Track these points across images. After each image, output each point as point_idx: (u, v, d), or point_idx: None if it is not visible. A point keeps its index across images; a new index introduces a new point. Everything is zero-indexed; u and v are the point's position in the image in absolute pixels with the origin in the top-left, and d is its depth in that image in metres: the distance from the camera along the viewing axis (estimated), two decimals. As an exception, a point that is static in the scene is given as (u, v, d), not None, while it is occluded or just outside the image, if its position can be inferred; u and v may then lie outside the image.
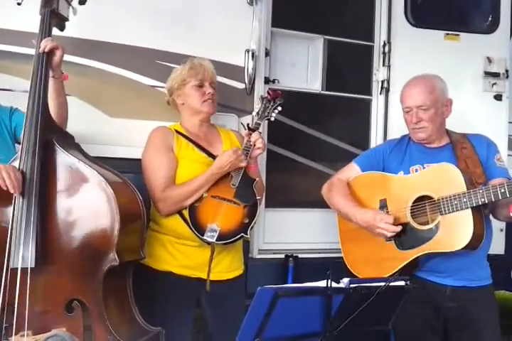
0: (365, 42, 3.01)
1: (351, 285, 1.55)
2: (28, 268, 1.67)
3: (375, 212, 2.13)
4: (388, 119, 2.99)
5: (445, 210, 2.01)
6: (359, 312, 1.56)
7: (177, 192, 2.05)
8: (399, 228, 2.06)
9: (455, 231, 2.00)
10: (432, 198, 2.06)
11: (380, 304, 1.58)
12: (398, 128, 2.68)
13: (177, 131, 2.18)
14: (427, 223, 2.06)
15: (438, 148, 2.21)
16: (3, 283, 1.66)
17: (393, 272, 2.02)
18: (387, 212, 2.14)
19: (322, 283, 1.52)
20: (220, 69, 2.30)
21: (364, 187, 2.24)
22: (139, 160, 2.15)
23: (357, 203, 2.20)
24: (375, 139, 3.00)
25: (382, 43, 3.00)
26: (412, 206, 2.09)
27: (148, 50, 2.42)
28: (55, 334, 1.25)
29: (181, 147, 2.14)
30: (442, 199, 2.02)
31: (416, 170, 2.17)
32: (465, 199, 1.96)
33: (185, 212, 2.06)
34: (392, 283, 1.60)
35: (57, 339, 1.23)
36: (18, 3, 2.02)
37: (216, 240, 2.01)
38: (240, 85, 2.59)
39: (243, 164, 2.07)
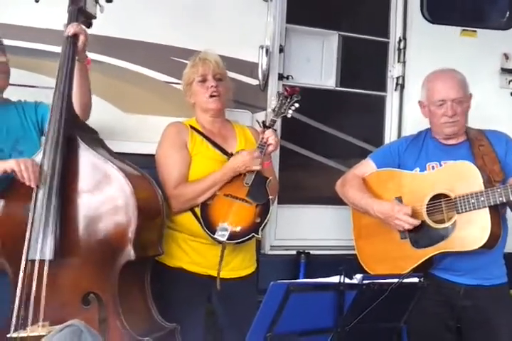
0: (381, 39, 2.98)
1: (364, 281, 1.54)
2: (45, 260, 1.70)
3: (393, 203, 2.11)
4: (403, 116, 2.97)
5: (462, 209, 1.99)
6: (372, 308, 1.55)
7: (189, 190, 2.05)
8: (418, 221, 2.04)
9: (472, 230, 1.98)
10: (448, 196, 2.04)
11: (393, 301, 1.58)
12: (413, 125, 2.67)
13: (192, 127, 2.18)
14: (443, 221, 2.05)
15: (455, 145, 2.18)
16: (21, 275, 1.69)
17: (408, 270, 2.01)
18: None
19: (335, 279, 1.52)
20: (234, 65, 2.30)
21: (379, 183, 2.22)
22: (154, 155, 2.16)
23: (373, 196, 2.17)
24: (390, 136, 2.97)
25: (397, 39, 2.97)
26: (427, 204, 2.07)
27: (162, 47, 2.43)
28: (71, 323, 1.27)
29: (195, 143, 2.14)
30: (459, 197, 2.00)
31: (433, 167, 2.15)
32: (482, 198, 1.94)
33: (197, 210, 2.06)
34: (405, 280, 1.59)
35: (73, 328, 1.24)
36: (36, 1, 2.04)
37: (227, 239, 2.00)
38: (254, 81, 2.59)
39: (257, 167, 2.05)
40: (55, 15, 2.11)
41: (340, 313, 1.55)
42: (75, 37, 1.92)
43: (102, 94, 2.34)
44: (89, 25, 2.04)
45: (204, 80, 2.16)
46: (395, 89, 2.98)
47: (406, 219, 2.04)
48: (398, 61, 2.97)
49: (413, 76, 2.92)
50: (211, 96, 2.15)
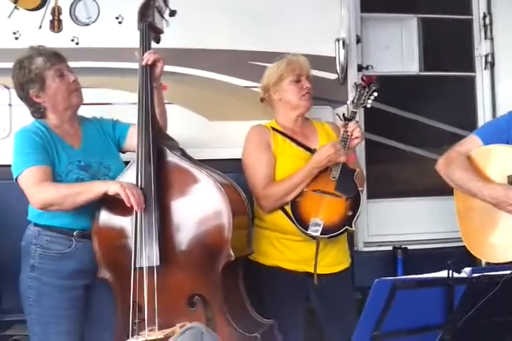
0: (463, 17, 2.84)
1: (474, 275, 1.46)
2: (153, 266, 1.78)
3: (507, 187, 1.96)
4: (496, 95, 2.80)
5: None
6: (484, 302, 1.47)
7: (277, 189, 2.08)
8: None
9: None
10: None
11: (507, 292, 1.48)
12: (508, 104, 2.51)
13: (273, 129, 2.20)
14: None
15: None
16: (132, 282, 1.78)
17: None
18: None
19: (442, 274, 1.45)
20: (311, 61, 2.28)
21: (487, 161, 2.06)
22: (239, 160, 2.20)
23: (482, 178, 2.02)
24: (484, 118, 2.82)
25: (482, 15, 2.82)
26: None
27: (239, 52, 2.47)
28: (192, 326, 1.33)
29: (278, 143, 2.16)
30: None
31: None
32: None
33: (288, 208, 2.08)
34: (519, 270, 1.49)
35: (194, 330, 1.30)
36: (120, 22, 2.16)
37: (320, 234, 2.01)
38: (332, 76, 2.56)
39: (342, 159, 2.04)
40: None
41: (450, 309, 1.48)
42: (151, 65, 1.92)
43: (186, 104, 2.43)
44: (158, 40, 2.05)
45: (299, 80, 2.18)
46: (485, 68, 2.82)
47: None
48: (485, 38, 2.81)
49: (503, 52, 2.76)
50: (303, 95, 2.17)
